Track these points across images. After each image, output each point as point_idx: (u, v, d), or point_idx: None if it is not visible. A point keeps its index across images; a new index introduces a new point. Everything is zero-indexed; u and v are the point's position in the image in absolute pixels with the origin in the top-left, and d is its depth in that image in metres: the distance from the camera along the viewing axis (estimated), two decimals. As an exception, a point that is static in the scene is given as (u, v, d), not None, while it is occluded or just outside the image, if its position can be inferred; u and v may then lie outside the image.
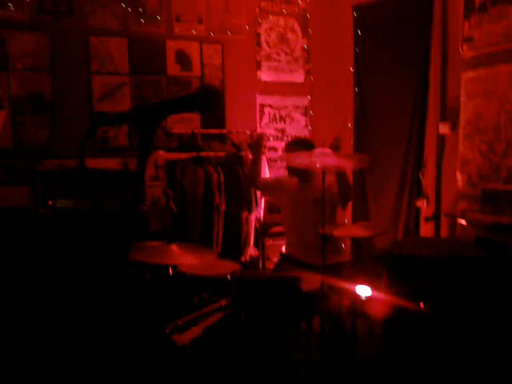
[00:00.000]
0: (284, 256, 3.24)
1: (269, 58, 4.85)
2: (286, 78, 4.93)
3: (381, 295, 2.60)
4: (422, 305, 2.36)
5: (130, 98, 4.29)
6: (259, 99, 4.81)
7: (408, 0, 3.98)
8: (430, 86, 3.82)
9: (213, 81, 4.55)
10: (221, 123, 4.50)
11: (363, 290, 2.76)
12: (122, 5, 4.23)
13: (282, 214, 3.33)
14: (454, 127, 3.60)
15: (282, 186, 3.24)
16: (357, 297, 2.72)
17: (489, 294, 2.33)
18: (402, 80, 4.02)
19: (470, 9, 3.42)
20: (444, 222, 3.70)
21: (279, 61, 4.89)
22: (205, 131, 4.41)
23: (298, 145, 3.14)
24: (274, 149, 4.86)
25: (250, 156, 3.43)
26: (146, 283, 2.79)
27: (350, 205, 4.28)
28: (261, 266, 4.26)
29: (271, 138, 4.87)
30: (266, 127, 4.82)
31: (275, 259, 3.57)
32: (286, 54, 4.92)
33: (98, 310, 2.71)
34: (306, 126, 5.01)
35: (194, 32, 4.49)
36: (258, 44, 4.80)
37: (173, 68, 4.45)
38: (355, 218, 4.44)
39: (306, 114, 5.01)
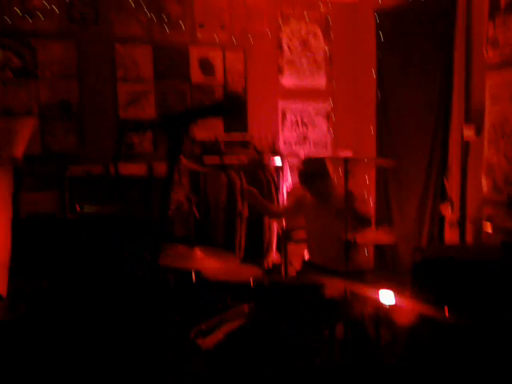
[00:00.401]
0: (307, 263, 3.25)
1: (290, 63, 4.87)
2: (308, 82, 4.94)
3: (405, 303, 2.58)
4: (447, 311, 2.34)
5: (155, 105, 4.37)
6: (281, 104, 4.83)
7: (430, 3, 3.94)
8: (453, 90, 3.77)
9: (235, 87, 4.59)
10: (243, 128, 4.54)
11: (387, 298, 2.75)
12: (147, 12, 4.31)
13: (305, 223, 3.35)
14: (479, 131, 3.55)
15: (303, 206, 3.27)
16: (380, 304, 2.71)
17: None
18: (425, 84, 3.98)
19: (495, 9, 3.35)
20: (469, 228, 3.65)
21: (301, 66, 4.90)
22: (228, 137, 4.46)
23: (312, 176, 3.10)
24: (296, 154, 4.87)
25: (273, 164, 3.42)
26: (170, 288, 2.83)
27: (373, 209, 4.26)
28: (283, 271, 4.27)
29: (293, 143, 4.89)
30: (287, 132, 4.84)
31: (297, 265, 3.58)
32: (308, 58, 4.93)
33: (125, 315, 2.75)
34: (328, 130, 5.00)
35: (216, 38, 4.54)
36: (280, 49, 4.82)
37: (196, 75, 4.51)
38: (378, 225, 4.42)
39: (328, 118, 5.01)
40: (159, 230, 1.33)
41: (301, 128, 4.91)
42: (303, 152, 4.75)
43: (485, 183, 3.50)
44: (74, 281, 2.92)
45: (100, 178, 3.60)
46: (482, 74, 3.50)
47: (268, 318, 2.26)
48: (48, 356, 2.54)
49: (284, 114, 4.85)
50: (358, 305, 2.54)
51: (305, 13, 4.89)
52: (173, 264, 2.34)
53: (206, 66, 4.54)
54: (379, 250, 4.23)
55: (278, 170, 4.42)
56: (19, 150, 3.87)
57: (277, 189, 4.26)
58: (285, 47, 4.84)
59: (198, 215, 3.23)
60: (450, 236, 3.81)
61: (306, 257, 3.30)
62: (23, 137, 3.91)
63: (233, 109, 1.21)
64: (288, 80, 4.86)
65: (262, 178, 4.15)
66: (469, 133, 3.61)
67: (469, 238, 3.66)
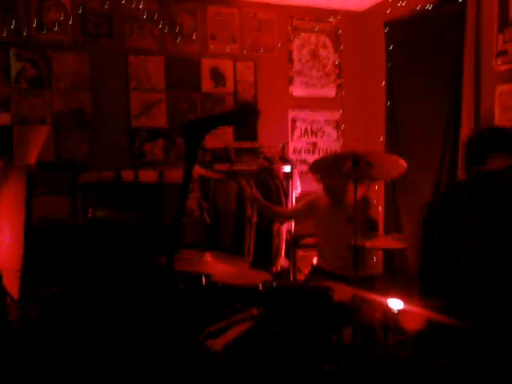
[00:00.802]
0: (315, 268, 3.26)
1: (301, 73, 4.92)
2: (318, 92, 4.98)
3: (413, 308, 2.58)
4: (454, 317, 2.33)
5: (166, 114, 4.44)
6: (291, 114, 4.88)
7: (440, 14, 3.98)
8: (462, 100, 3.79)
9: (246, 96, 4.65)
10: (253, 137, 4.59)
11: (395, 303, 2.75)
12: (160, 26, 4.40)
13: (316, 228, 3.37)
14: (489, 140, 3.55)
15: (315, 209, 3.29)
16: (389, 310, 2.71)
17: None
18: (435, 93, 4.00)
19: (504, 22, 3.41)
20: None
21: (311, 76, 4.96)
22: (238, 145, 4.51)
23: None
24: (306, 162, 4.90)
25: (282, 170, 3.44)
26: (180, 292, 2.85)
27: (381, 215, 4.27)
28: (292, 277, 4.28)
29: (303, 151, 4.93)
30: (297, 141, 4.88)
31: (306, 270, 3.59)
32: (318, 69, 4.98)
33: (135, 318, 2.78)
34: (338, 139, 5.03)
35: (227, 49, 4.62)
36: (290, 60, 4.89)
37: (207, 84, 4.58)
38: (387, 231, 4.41)
39: (337, 127, 5.04)
40: (174, 236, 1.35)
41: (310, 136, 4.95)
42: (312, 160, 4.77)
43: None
44: (85, 285, 2.95)
45: (111, 185, 3.66)
46: (492, 83, 3.53)
47: (276, 321, 2.27)
48: (59, 356, 2.57)
49: (294, 123, 4.89)
50: (366, 310, 2.54)
51: (315, 25, 4.95)
52: (183, 268, 2.37)
53: (217, 76, 4.61)
54: (388, 255, 4.22)
55: (288, 177, 4.44)
56: (32, 157, 3.96)
57: (286, 196, 4.28)
58: (295, 58, 4.90)
59: (208, 221, 3.26)
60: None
61: (315, 262, 3.31)
62: (36, 145, 4.00)
63: (250, 117, 1.25)
64: (298, 90, 4.91)
65: (272, 186, 4.19)
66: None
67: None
